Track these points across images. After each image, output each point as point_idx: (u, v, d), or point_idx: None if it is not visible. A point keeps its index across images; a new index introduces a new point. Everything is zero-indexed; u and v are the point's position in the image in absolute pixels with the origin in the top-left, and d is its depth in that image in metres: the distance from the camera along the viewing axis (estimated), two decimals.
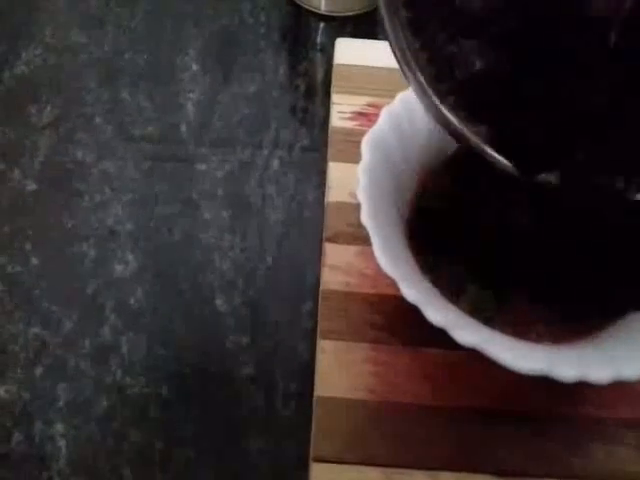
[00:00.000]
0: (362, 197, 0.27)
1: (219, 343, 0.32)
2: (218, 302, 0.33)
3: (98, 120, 0.39)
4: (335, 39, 0.44)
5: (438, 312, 0.24)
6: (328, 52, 0.43)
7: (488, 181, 0.28)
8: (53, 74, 0.41)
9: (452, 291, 0.27)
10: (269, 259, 0.35)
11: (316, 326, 0.32)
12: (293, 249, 0.35)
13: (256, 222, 0.36)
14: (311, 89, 0.42)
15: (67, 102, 0.40)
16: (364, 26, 0.45)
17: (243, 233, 0.36)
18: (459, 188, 0.29)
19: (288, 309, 0.33)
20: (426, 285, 0.26)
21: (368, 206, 0.26)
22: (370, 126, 0.37)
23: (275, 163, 0.38)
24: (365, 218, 0.26)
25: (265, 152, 0.39)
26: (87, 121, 0.39)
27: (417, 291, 0.24)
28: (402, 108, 0.31)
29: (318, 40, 0.44)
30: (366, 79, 0.39)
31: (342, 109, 0.38)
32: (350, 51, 0.40)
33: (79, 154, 0.38)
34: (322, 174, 0.37)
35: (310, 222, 0.36)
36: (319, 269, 0.34)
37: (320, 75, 0.42)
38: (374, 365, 0.30)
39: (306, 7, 0.45)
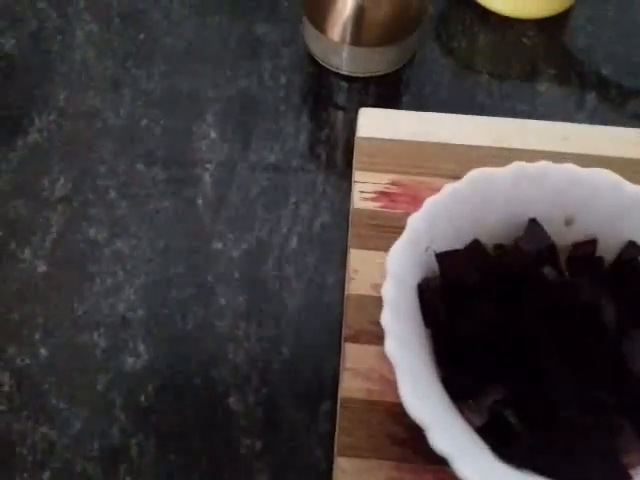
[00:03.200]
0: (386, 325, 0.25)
1: (232, 448, 0.31)
2: (231, 400, 0.32)
3: (112, 194, 0.38)
4: (358, 100, 0.43)
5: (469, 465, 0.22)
6: (350, 116, 0.41)
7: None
8: (67, 142, 0.40)
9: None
10: (285, 350, 0.33)
11: (334, 429, 0.31)
12: (311, 339, 0.34)
13: (273, 308, 0.35)
14: (333, 158, 0.40)
15: (81, 174, 0.39)
16: (387, 87, 0.43)
17: (259, 320, 0.34)
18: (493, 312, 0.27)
19: (305, 410, 0.32)
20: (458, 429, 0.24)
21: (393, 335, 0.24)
22: (393, 207, 0.36)
23: (294, 241, 0.37)
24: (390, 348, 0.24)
25: (284, 229, 0.37)
26: (101, 195, 0.38)
27: (449, 442, 0.22)
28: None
29: (340, 103, 0.42)
30: (390, 154, 0.38)
31: (364, 188, 0.36)
32: (373, 122, 0.39)
33: (92, 232, 0.37)
34: (343, 254, 0.36)
35: (330, 309, 0.35)
36: (338, 362, 0.32)
37: (342, 142, 0.41)
38: None
39: (328, 67, 0.43)
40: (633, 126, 0.42)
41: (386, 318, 0.25)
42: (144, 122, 0.41)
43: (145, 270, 0.35)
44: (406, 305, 0.27)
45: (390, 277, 0.26)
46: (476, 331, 0.26)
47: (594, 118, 0.42)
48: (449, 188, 0.28)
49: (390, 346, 0.24)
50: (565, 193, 0.29)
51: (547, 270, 0.26)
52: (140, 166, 0.39)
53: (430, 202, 0.28)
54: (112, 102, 0.41)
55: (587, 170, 0.29)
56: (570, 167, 0.29)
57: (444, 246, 0.29)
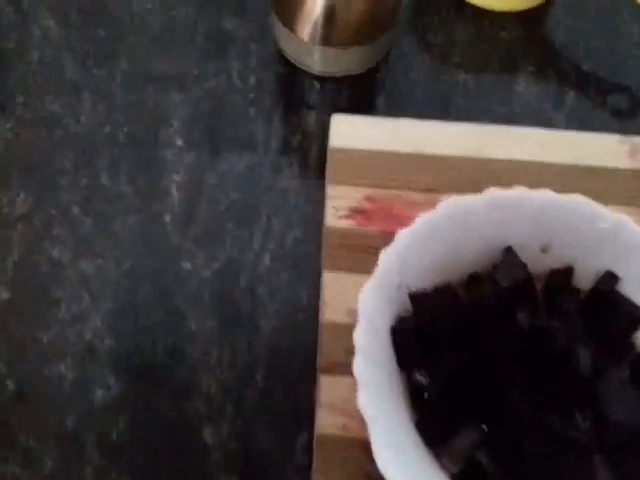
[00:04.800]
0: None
1: None
2: (206, 433, 0.31)
3: (75, 210, 0.36)
4: (331, 102, 0.41)
5: None
6: (323, 118, 0.39)
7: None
8: (26, 154, 0.38)
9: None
10: (260, 378, 0.33)
11: (312, 461, 0.30)
12: (286, 364, 0.33)
13: (246, 332, 0.34)
14: (305, 166, 0.38)
15: (42, 188, 0.37)
16: (362, 87, 0.41)
17: (232, 346, 0.33)
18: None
19: (281, 442, 0.31)
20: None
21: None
22: (367, 225, 0.35)
23: (266, 259, 0.36)
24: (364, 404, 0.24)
25: (256, 246, 0.36)
26: (63, 212, 0.36)
27: None
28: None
29: (313, 105, 0.41)
30: (364, 165, 0.36)
31: (337, 204, 0.35)
32: (346, 131, 0.37)
33: (55, 252, 0.35)
34: (317, 271, 0.35)
35: (305, 330, 0.34)
36: (314, 389, 0.32)
37: (315, 148, 0.39)
38: None
39: (299, 66, 0.41)
40: (613, 123, 0.41)
41: (359, 367, 0.25)
42: (107, 129, 0.39)
43: (111, 294, 0.34)
44: (379, 348, 0.26)
45: (362, 321, 0.26)
46: (447, 376, 0.26)
47: (573, 117, 0.41)
48: (422, 219, 0.28)
49: (363, 400, 0.24)
50: (541, 220, 0.29)
51: (521, 317, 0.26)
52: (104, 179, 0.37)
53: (402, 235, 0.27)
54: (72, 107, 0.39)
55: (564, 197, 0.29)
56: (546, 194, 0.28)
57: (418, 278, 0.28)
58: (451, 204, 0.28)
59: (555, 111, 0.41)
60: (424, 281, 0.28)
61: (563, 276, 0.29)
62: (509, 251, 0.29)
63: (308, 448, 0.31)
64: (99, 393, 0.32)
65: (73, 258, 0.35)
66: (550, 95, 0.42)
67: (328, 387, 0.30)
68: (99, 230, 0.36)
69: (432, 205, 0.31)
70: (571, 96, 0.42)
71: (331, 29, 0.39)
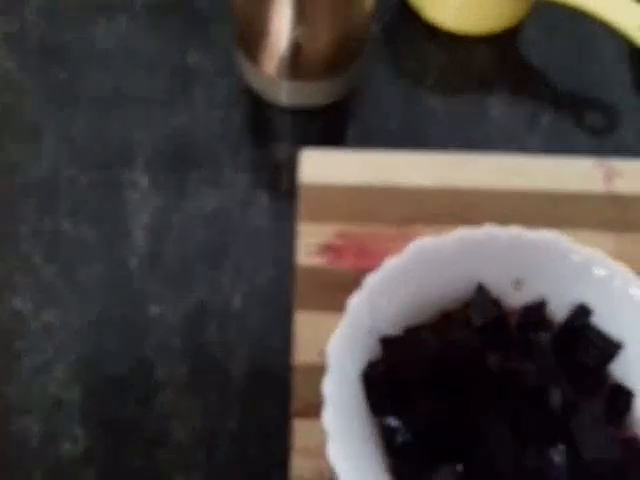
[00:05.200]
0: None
1: None
2: None
3: (37, 260, 0.35)
4: (300, 135, 0.40)
5: None
6: (293, 152, 0.38)
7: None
8: None
9: None
10: (233, 424, 0.32)
11: None
12: (259, 411, 0.32)
13: (217, 378, 0.33)
14: (275, 202, 0.37)
15: (2, 236, 0.36)
16: (332, 119, 0.40)
17: (203, 394, 0.32)
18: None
19: None
20: None
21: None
22: (339, 263, 0.34)
23: (237, 301, 0.35)
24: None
25: (226, 287, 0.35)
26: (25, 261, 0.35)
27: None
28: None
29: (281, 139, 0.40)
30: (335, 201, 0.36)
31: (308, 241, 0.34)
32: (317, 166, 0.36)
33: (17, 302, 0.34)
34: (290, 311, 0.34)
35: (278, 375, 0.33)
36: (288, 436, 0.31)
37: (285, 183, 0.38)
38: None
39: (267, 100, 0.40)
40: (590, 142, 0.41)
41: (328, 419, 0.24)
42: (68, 174, 0.38)
43: (77, 344, 0.33)
44: (349, 396, 0.25)
45: (331, 370, 0.25)
46: (420, 423, 0.25)
47: (549, 138, 0.40)
48: (390, 263, 0.27)
49: (333, 451, 0.23)
50: (512, 257, 0.28)
51: (492, 360, 0.25)
52: (66, 225, 0.36)
53: (371, 280, 0.26)
54: (33, 152, 0.38)
55: (533, 234, 0.28)
56: (516, 232, 0.28)
57: (388, 322, 0.27)
58: (419, 246, 0.28)
59: (531, 133, 0.41)
60: (395, 324, 0.27)
61: (536, 311, 0.28)
62: (481, 289, 0.28)
63: None
64: (66, 446, 0.31)
65: (35, 309, 0.34)
66: (525, 117, 0.41)
67: (303, 430, 0.29)
68: (62, 278, 0.35)
69: (405, 238, 0.30)
70: (546, 117, 0.41)
71: (297, 63, 0.38)
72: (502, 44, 0.44)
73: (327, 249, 0.34)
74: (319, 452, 0.29)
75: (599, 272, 0.28)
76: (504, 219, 0.31)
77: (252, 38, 0.38)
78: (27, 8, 0.43)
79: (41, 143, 0.38)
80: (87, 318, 0.34)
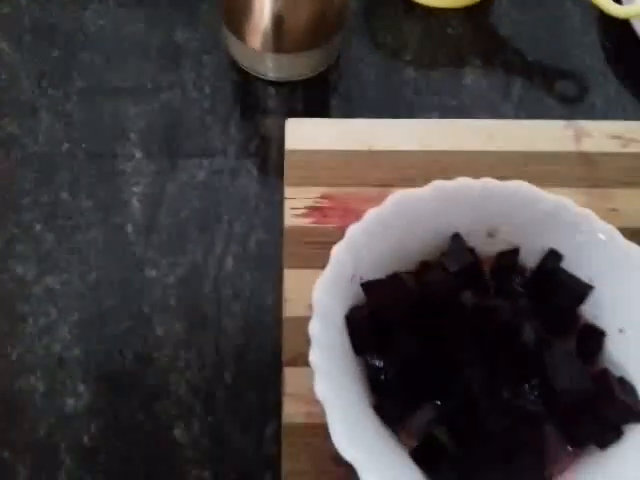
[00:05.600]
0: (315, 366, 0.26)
1: (180, 479, 0.31)
2: (177, 432, 0.32)
3: (38, 228, 0.37)
4: (286, 106, 0.42)
5: None
6: (279, 123, 0.40)
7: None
8: None
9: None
10: (228, 376, 0.34)
11: (280, 451, 0.31)
12: (253, 362, 0.34)
13: (212, 334, 0.35)
14: (264, 170, 0.39)
15: (3, 208, 0.37)
16: (316, 90, 0.42)
17: (199, 348, 0.34)
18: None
19: (251, 435, 0.32)
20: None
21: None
22: (325, 222, 0.36)
23: (229, 262, 0.37)
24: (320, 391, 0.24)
25: (218, 250, 0.37)
26: (26, 230, 0.37)
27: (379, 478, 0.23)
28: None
29: (268, 110, 0.42)
30: (319, 166, 0.37)
31: (295, 204, 0.36)
32: (301, 134, 0.38)
33: (20, 269, 0.36)
34: (280, 271, 0.36)
35: (270, 329, 0.35)
36: (280, 384, 0.33)
37: (273, 152, 0.40)
38: None
39: (253, 74, 0.42)
40: (560, 109, 0.43)
41: (314, 357, 0.26)
42: (65, 147, 0.39)
43: (78, 306, 0.35)
44: (335, 337, 0.27)
45: (317, 313, 0.27)
46: (401, 360, 0.27)
47: (521, 106, 0.42)
48: (371, 214, 0.29)
49: (319, 386, 0.25)
50: (485, 207, 0.30)
51: (465, 296, 0.27)
52: (64, 195, 0.38)
53: (353, 229, 0.28)
54: (30, 128, 0.40)
55: (504, 184, 0.30)
56: (488, 182, 0.30)
57: (370, 271, 0.29)
58: (398, 198, 0.30)
59: (504, 101, 0.43)
60: (377, 272, 0.29)
61: (509, 257, 0.30)
62: (456, 238, 0.30)
63: (276, 438, 0.31)
64: (70, 402, 0.33)
65: (38, 274, 0.36)
66: (498, 86, 0.43)
67: (292, 378, 0.31)
68: (62, 245, 0.36)
69: (385, 199, 0.32)
70: (518, 86, 0.43)
71: (280, 36, 0.40)
72: (475, 17, 0.46)
73: (313, 210, 0.36)
74: (308, 397, 0.31)
75: (567, 218, 0.30)
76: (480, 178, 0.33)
77: (236, 14, 0.40)
78: None
79: (37, 120, 0.40)
80: (87, 282, 0.35)
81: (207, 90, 0.42)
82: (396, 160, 0.38)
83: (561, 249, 0.30)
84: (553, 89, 0.43)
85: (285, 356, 0.32)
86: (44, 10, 0.44)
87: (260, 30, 0.39)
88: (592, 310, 0.30)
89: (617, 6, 0.42)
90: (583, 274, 0.30)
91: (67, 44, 0.43)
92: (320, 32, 0.40)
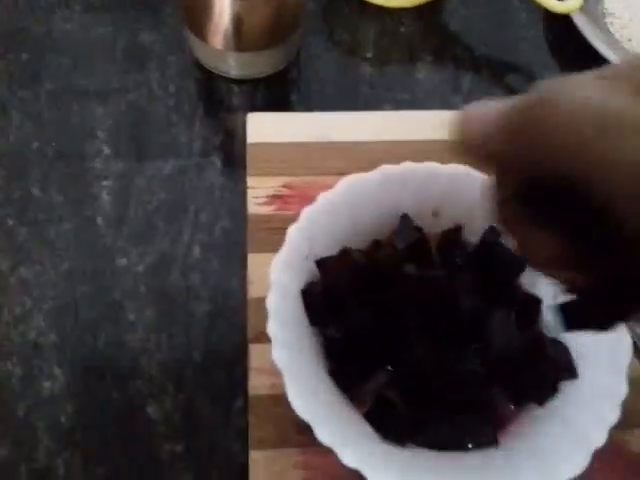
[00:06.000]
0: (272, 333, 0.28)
1: (154, 454, 0.33)
2: (150, 410, 0.34)
3: (10, 222, 0.39)
4: (248, 103, 0.44)
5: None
6: (242, 119, 0.42)
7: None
8: None
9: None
10: (197, 356, 0.36)
11: (248, 422, 0.33)
12: (220, 343, 0.36)
13: (181, 317, 0.37)
14: (228, 163, 0.41)
15: None
16: (277, 87, 0.45)
17: (169, 331, 0.36)
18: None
19: (220, 409, 0.34)
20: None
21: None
22: (286, 209, 0.38)
23: (196, 250, 0.39)
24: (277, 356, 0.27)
25: (185, 238, 0.39)
26: None
27: (332, 435, 0.25)
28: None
29: (231, 107, 0.44)
30: (280, 157, 0.40)
31: (257, 193, 0.38)
32: (262, 127, 0.40)
33: None
34: (245, 257, 0.38)
35: (236, 312, 0.37)
36: (247, 361, 0.35)
37: (236, 145, 0.42)
38: (304, 470, 0.31)
39: (216, 72, 0.44)
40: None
41: (272, 327, 0.28)
42: (35, 146, 0.41)
43: (52, 295, 0.37)
44: (291, 310, 0.29)
45: (274, 288, 0.29)
46: (354, 329, 0.29)
47: (470, 98, 0.45)
48: (323, 198, 0.31)
49: (276, 354, 0.27)
50: (429, 189, 0.32)
51: (408, 267, 0.29)
52: (35, 191, 0.40)
53: (307, 212, 0.31)
54: (1, 128, 0.41)
55: (445, 167, 0.32)
56: (430, 165, 0.32)
57: (324, 250, 0.31)
58: (348, 181, 0.32)
59: (454, 94, 0.45)
60: (331, 251, 0.31)
61: (453, 234, 0.32)
62: (404, 218, 0.32)
63: (244, 411, 0.34)
64: (46, 384, 0.34)
65: (13, 266, 0.37)
66: (449, 80, 0.46)
67: (257, 353, 0.33)
68: (35, 238, 0.38)
69: None
70: (468, 79, 0.46)
71: (241, 36, 0.42)
72: (426, 15, 0.49)
73: (275, 198, 0.38)
74: (271, 370, 0.33)
75: None
76: None
77: (198, 16, 0.42)
78: None
79: (8, 120, 0.42)
80: (60, 272, 0.37)
81: (172, 89, 0.44)
82: (353, 150, 0.40)
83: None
84: (501, 81, 0.46)
85: (250, 334, 0.34)
86: (13, 15, 0.46)
87: (221, 30, 0.42)
88: (530, 280, 0.33)
89: (558, 2, 0.45)
90: None
91: (36, 47, 0.45)
92: (278, 31, 0.43)
